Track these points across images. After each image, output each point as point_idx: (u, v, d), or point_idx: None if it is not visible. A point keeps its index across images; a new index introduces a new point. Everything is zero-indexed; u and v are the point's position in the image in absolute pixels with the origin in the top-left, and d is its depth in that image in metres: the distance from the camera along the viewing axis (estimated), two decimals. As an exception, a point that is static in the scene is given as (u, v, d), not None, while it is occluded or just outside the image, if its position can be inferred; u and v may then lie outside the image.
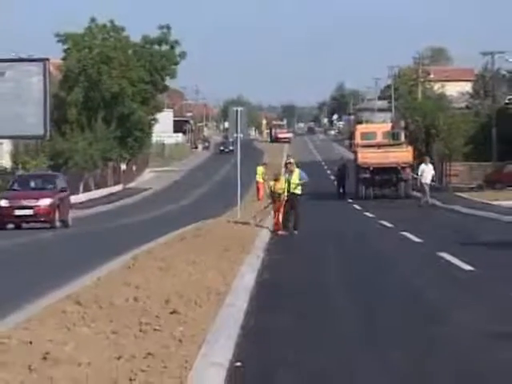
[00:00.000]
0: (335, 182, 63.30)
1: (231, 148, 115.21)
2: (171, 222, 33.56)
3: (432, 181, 49.26)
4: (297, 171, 29.95)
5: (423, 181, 48.24)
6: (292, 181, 29.32)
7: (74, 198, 63.43)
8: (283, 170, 30.58)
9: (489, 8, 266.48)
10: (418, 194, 57.51)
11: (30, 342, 9.43)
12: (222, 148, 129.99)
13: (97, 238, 31.49)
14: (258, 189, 51.81)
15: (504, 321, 12.25)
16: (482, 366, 9.32)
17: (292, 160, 32.33)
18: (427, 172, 48.23)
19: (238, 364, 9.17)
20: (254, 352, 10.05)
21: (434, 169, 50.95)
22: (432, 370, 9.07)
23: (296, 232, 28.70)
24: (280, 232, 28.63)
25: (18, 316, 11.97)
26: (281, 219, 29.16)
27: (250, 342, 10.54)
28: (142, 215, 48.40)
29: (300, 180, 29.63)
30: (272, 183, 30.49)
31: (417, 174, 49.21)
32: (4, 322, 11.35)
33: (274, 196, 29.91)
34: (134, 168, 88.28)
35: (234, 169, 37.62)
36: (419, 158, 58.10)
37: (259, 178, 52.18)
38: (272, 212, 31.06)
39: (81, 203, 62.08)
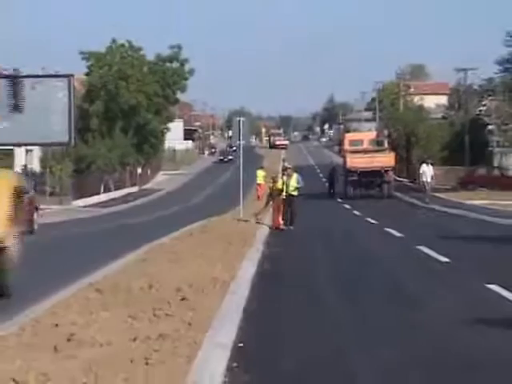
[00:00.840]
0: (326, 184, 63.36)
1: (230, 157, 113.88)
2: (181, 220, 33.56)
3: (431, 178, 49.18)
4: (294, 176, 30.06)
5: (424, 179, 48.37)
6: (290, 184, 29.44)
7: (96, 198, 63.70)
8: (281, 173, 30.54)
9: (462, 29, 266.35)
10: (399, 194, 57.67)
11: (56, 325, 9.48)
12: (221, 157, 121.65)
13: (114, 235, 31.46)
14: (257, 190, 51.89)
15: (475, 306, 12.31)
16: (453, 344, 9.36)
17: (290, 165, 32.52)
18: (427, 172, 48.38)
19: (241, 345, 9.21)
20: (254, 332, 10.10)
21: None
22: (408, 335, 9.19)
23: (292, 227, 28.80)
24: (279, 227, 28.68)
25: (46, 302, 12.01)
26: (280, 216, 29.25)
27: (250, 324, 10.58)
28: (156, 213, 48.34)
29: (297, 184, 29.76)
30: (271, 185, 30.62)
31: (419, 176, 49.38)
32: (33, 309, 11.39)
33: (272, 195, 30.04)
34: (148, 171, 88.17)
35: (237, 171, 37.69)
36: (408, 162, 58.37)
37: (259, 180, 52.29)
38: (271, 210, 31.11)
39: (101, 202, 62.22)
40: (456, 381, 7.81)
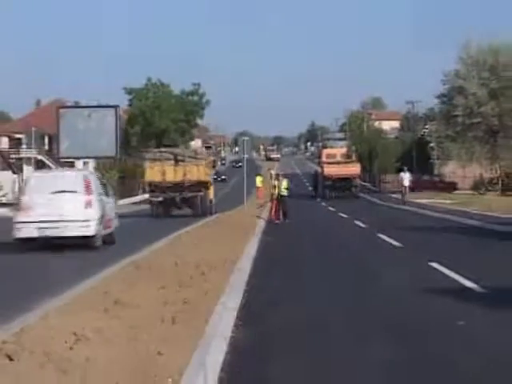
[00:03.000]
0: (310, 188, 63.28)
1: (240, 164, 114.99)
2: (184, 220, 33.12)
3: (411, 183, 48.82)
4: (285, 180, 30.04)
5: (402, 183, 48.17)
6: (282, 187, 29.36)
7: (134, 199, 63.29)
8: (273, 179, 30.26)
9: (410, 70, 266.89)
10: (363, 195, 57.59)
11: (106, 292, 9.47)
12: (234, 164, 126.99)
13: (148, 226, 31.29)
14: (257, 190, 51.96)
15: (418, 276, 12.32)
16: (400, 297, 9.37)
17: (280, 172, 32.58)
18: (405, 178, 48.16)
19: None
20: (253, 298, 10.10)
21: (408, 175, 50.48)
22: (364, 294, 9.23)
23: (286, 221, 28.57)
24: (275, 221, 28.60)
25: (98, 275, 12.02)
26: (274, 212, 29.18)
27: (252, 293, 10.58)
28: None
29: (287, 185, 29.75)
30: (272, 187, 30.69)
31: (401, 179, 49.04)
32: (87, 281, 11.40)
33: (271, 196, 29.97)
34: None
35: (243, 177, 37.70)
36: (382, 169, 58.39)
37: (258, 184, 52.37)
38: (268, 207, 31.01)
39: (137, 202, 62.01)
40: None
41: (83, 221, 17.21)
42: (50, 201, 17.25)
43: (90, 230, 17.29)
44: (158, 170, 31.64)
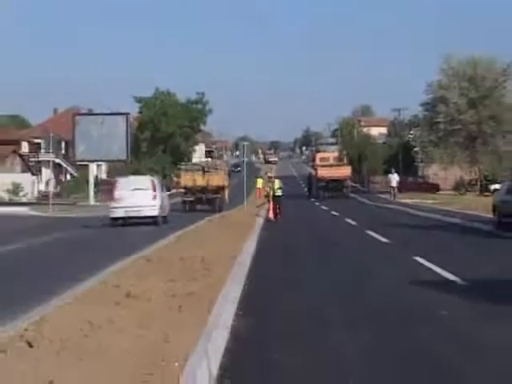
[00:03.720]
0: (305, 189, 63.13)
1: (239, 169, 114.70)
2: (206, 213, 33.42)
3: (398, 183, 48.81)
4: (277, 181, 30.05)
5: (390, 184, 48.25)
6: (275, 187, 29.33)
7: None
8: (268, 181, 30.68)
9: (397, 80, 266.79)
10: (354, 195, 57.54)
11: (117, 286, 9.47)
12: (233, 169, 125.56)
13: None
14: (257, 191, 51.96)
15: (404, 269, 12.33)
16: (389, 298, 9.37)
17: (273, 174, 32.75)
18: (393, 179, 48.20)
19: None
20: (253, 290, 10.12)
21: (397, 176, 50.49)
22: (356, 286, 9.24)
23: (281, 219, 28.57)
24: (271, 219, 28.60)
25: (110, 269, 12.01)
26: (271, 211, 29.17)
27: (251, 285, 10.59)
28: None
29: (280, 185, 29.72)
30: (267, 188, 30.72)
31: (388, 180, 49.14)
32: (100, 275, 11.40)
33: (268, 196, 30.00)
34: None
35: (242, 179, 37.77)
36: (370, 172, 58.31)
37: (257, 185, 52.39)
38: (266, 206, 31.05)
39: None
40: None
41: (151, 206, 25.42)
42: (131, 194, 25.53)
43: (155, 212, 25.57)
44: (190, 177, 38.76)
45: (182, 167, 43.78)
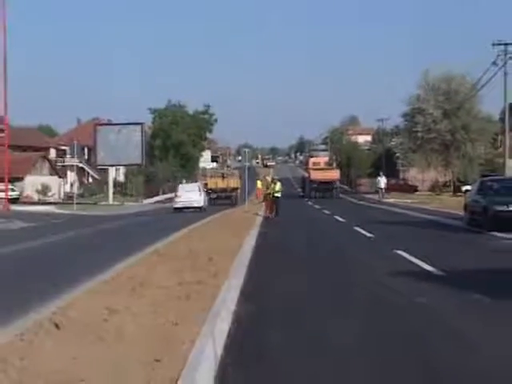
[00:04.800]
0: (299, 189, 63.10)
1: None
2: (209, 213, 33.39)
3: (386, 185, 48.49)
4: (278, 183, 29.93)
5: (378, 186, 48.15)
6: (275, 189, 29.27)
7: (156, 198, 63.11)
8: (270, 183, 30.53)
9: (381, 92, 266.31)
10: (343, 196, 57.49)
11: (131, 277, 9.46)
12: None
13: (167, 220, 31.27)
14: (257, 192, 51.91)
15: (386, 260, 12.28)
16: (371, 285, 9.35)
17: (275, 177, 32.53)
18: (381, 181, 48.11)
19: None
20: (253, 279, 10.10)
21: (386, 178, 50.24)
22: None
23: (277, 217, 28.47)
24: (269, 217, 28.49)
25: (125, 262, 12.00)
26: (269, 210, 29.10)
27: (251, 274, 10.58)
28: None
29: (280, 188, 29.64)
30: (265, 189, 30.61)
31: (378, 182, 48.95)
32: (116, 267, 11.39)
33: (266, 197, 29.91)
34: (189, 182, 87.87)
35: (245, 181, 37.87)
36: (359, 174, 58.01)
37: (258, 186, 52.32)
38: (264, 206, 31.00)
39: (160, 201, 61.77)
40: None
41: (198, 201, 36.54)
42: (187, 193, 36.64)
43: (201, 204, 36.56)
44: (214, 181, 48.43)
45: (208, 174, 53.48)
